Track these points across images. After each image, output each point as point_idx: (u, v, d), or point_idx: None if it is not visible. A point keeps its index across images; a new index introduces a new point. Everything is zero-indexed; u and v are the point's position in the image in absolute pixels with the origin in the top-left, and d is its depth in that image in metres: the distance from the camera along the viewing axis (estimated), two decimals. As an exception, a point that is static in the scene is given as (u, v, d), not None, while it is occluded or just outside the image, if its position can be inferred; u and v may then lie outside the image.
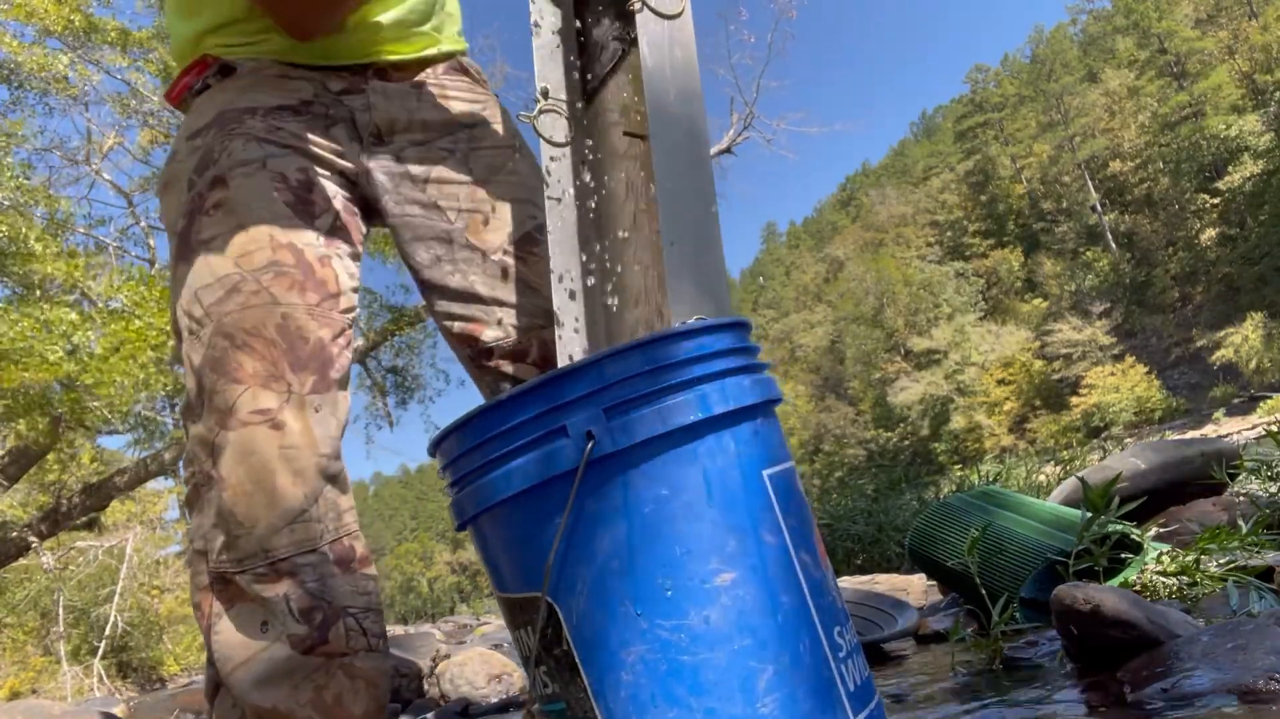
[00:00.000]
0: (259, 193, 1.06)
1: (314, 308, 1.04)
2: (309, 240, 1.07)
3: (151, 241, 9.97)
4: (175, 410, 8.04)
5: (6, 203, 6.94)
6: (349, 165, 1.17)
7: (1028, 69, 61.36)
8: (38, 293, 6.95)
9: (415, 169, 1.19)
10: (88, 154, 9.23)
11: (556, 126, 1.13)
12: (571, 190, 1.12)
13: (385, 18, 1.18)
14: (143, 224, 9.85)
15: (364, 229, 1.20)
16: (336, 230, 1.11)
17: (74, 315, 6.29)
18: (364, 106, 1.18)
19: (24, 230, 6.68)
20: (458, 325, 1.17)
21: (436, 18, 1.26)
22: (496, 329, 1.16)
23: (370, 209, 1.21)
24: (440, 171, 1.19)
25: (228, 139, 1.09)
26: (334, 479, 1.00)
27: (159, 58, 8.24)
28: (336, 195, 1.14)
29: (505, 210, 1.19)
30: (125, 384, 6.25)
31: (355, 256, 1.15)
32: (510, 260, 1.17)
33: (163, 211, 1.15)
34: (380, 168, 1.18)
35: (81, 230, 8.97)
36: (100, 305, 6.86)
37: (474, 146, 1.22)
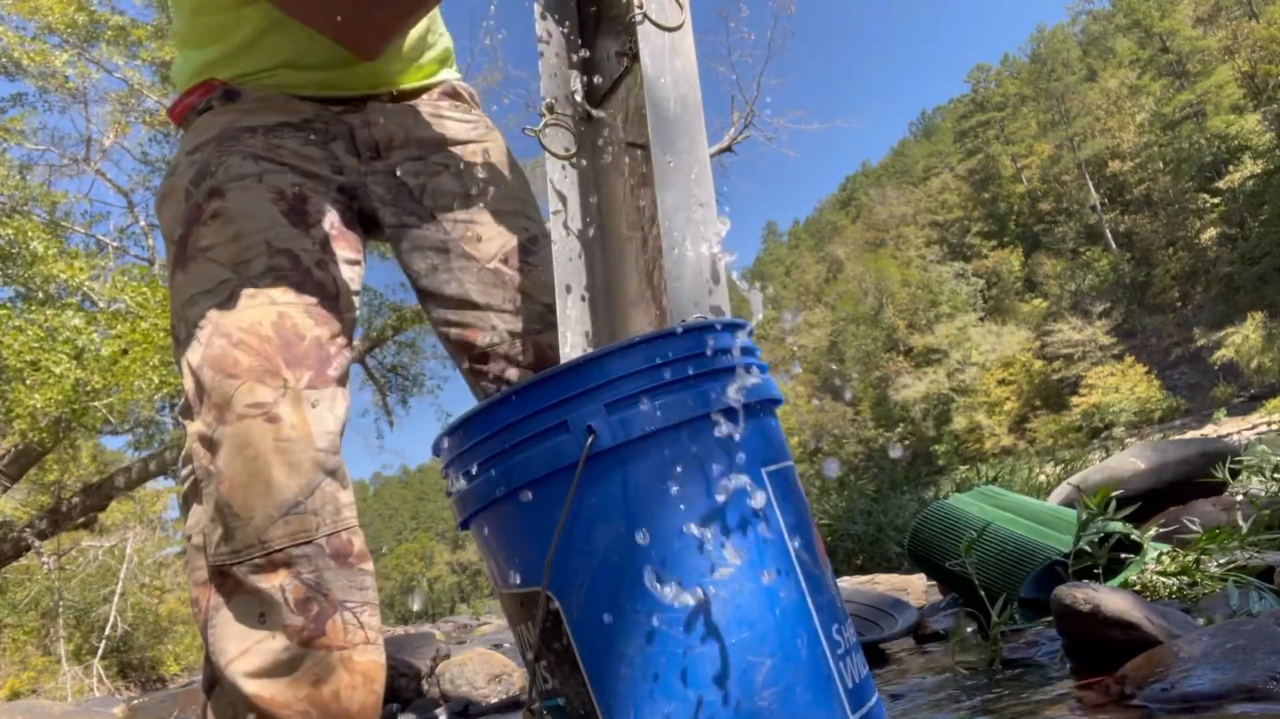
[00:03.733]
0: (256, 203, 1.10)
1: (311, 308, 1.07)
2: (305, 247, 1.10)
3: (150, 241, 9.95)
4: (175, 411, 8.03)
5: (4, 200, 6.93)
6: (347, 180, 1.22)
7: (1028, 68, 61.36)
8: (40, 295, 6.93)
9: (412, 182, 1.24)
10: (87, 153, 9.23)
11: (562, 140, 1.15)
12: (576, 200, 1.13)
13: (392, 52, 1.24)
14: (142, 223, 9.84)
15: (362, 239, 1.24)
16: (333, 240, 1.15)
17: (78, 320, 6.26)
18: (363, 123, 1.24)
19: (27, 232, 6.68)
20: (454, 332, 1.21)
21: (435, 48, 1.33)
22: (491, 334, 1.20)
23: (369, 221, 1.26)
24: (436, 185, 1.24)
25: (225, 154, 1.14)
26: (332, 473, 1.01)
27: (155, 50, 8.23)
28: (333, 209, 1.18)
29: (499, 222, 1.24)
30: (143, 387, 6.23)
31: (354, 263, 1.18)
32: (504, 269, 1.22)
33: (161, 223, 1.20)
34: (378, 181, 1.23)
35: (80, 229, 8.97)
36: (104, 308, 6.82)
37: (468, 162, 1.27)
